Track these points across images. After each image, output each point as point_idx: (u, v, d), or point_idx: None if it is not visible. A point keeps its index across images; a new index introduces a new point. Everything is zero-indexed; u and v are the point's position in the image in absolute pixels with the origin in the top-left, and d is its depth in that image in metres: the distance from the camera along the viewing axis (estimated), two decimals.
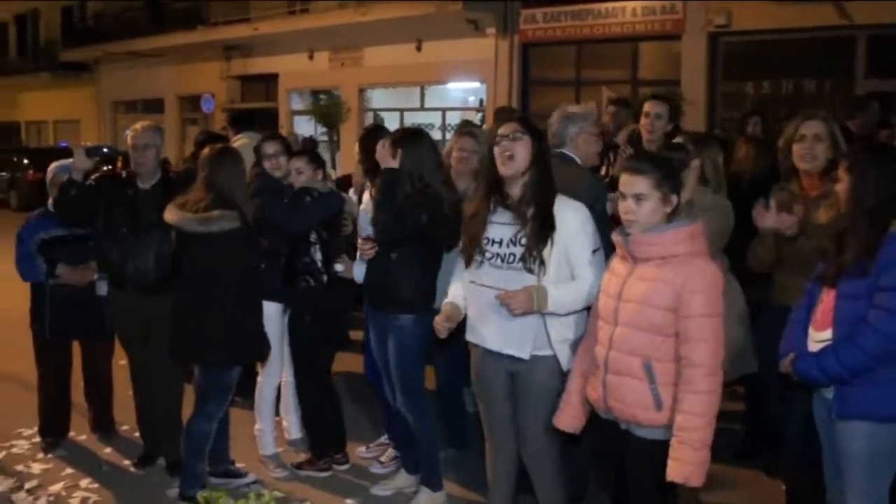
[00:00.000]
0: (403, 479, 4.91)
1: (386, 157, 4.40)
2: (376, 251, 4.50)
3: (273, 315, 5.07)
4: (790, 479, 4.17)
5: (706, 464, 3.03)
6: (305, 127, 19.15)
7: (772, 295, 4.39)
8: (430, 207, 4.30)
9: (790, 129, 4.31)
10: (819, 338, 3.33)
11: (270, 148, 5.27)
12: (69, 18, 29.66)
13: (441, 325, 3.85)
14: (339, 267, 4.99)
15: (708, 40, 13.41)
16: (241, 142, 6.96)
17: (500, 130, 3.70)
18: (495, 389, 3.84)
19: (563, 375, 3.59)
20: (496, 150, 3.66)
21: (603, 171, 6.08)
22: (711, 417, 3.03)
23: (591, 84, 15.00)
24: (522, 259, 3.58)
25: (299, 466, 5.22)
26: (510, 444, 3.88)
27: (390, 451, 5.27)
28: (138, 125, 5.14)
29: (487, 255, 3.70)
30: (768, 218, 4.06)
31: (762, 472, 5.05)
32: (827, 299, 3.34)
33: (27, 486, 5.06)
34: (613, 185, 4.73)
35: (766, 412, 4.80)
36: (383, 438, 5.42)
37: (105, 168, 5.37)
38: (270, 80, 21.57)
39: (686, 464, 3.00)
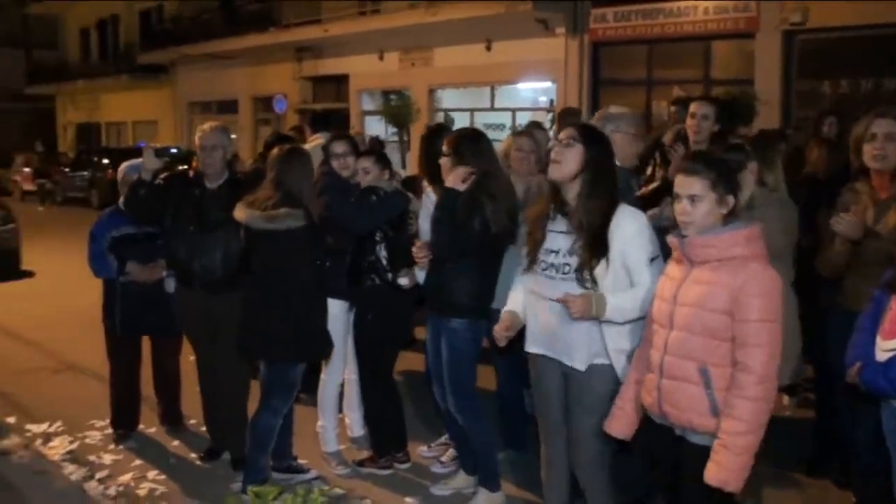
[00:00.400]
0: (463, 480, 4.92)
1: (456, 179, 4.40)
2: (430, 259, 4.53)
3: (338, 313, 5.13)
4: (859, 489, 4.06)
5: (746, 470, 2.95)
6: (376, 127, 19.28)
7: (840, 300, 4.27)
8: (480, 211, 4.32)
9: (860, 128, 4.19)
10: (887, 346, 3.21)
11: (339, 147, 5.32)
12: (147, 22, 30.42)
13: (500, 334, 3.86)
14: (402, 281, 5.02)
15: (783, 38, 13.10)
16: (317, 141, 7.03)
17: (559, 135, 3.70)
18: (552, 393, 3.81)
19: (618, 384, 3.53)
20: (550, 154, 3.66)
21: (650, 171, 5.99)
22: (758, 425, 2.95)
23: (663, 84, 14.81)
24: (577, 270, 3.54)
25: (361, 464, 5.26)
26: (565, 453, 3.83)
27: (451, 451, 5.27)
28: (206, 126, 5.23)
29: (543, 265, 3.68)
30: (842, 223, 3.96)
31: (831, 482, 4.90)
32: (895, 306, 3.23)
33: (98, 475, 5.21)
34: (660, 188, 4.67)
35: (837, 420, 4.67)
36: (444, 438, 5.42)
37: (181, 168, 5.49)
38: (341, 80, 21.77)
39: (725, 468, 2.93)
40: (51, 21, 38.54)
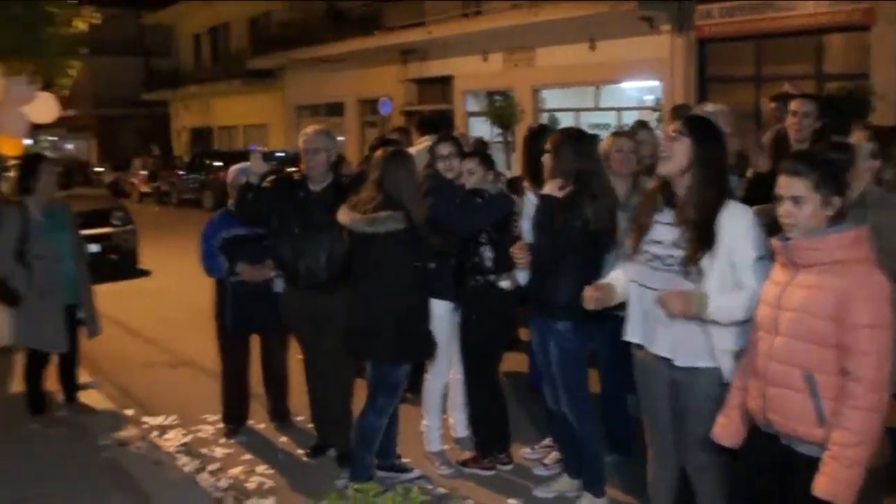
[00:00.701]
0: (566, 483, 4.89)
1: (553, 187, 4.39)
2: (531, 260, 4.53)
3: (443, 314, 5.17)
4: None
5: (857, 483, 2.82)
6: (481, 128, 19.34)
7: None
8: (579, 212, 4.31)
9: None
10: None
11: (444, 149, 5.36)
12: (257, 28, 31.23)
13: (590, 294, 3.80)
14: (504, 284, 5.03)
15: None
16: (425, 144, 7.09)
17: (668, 128, 3.66)
18: (657, 397, 3.76)
19: (726, 386, 3.44)
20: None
21: (749, 173, 5.80)
22: (870, 436, 2.82)
23: (773, 80, 14.36)
24: (682, 263, 3.48)
25: (464, 464, 5.29)
26: (672, 455, 3.78)
27: (554, 454, 5.25)
28: (309, 129, 5.35)
29: (647, 255, 3.63)
30: None
31: None
32: None
33: (209, 468, 5.39)
34: (758, 185, 4.51)
35: None
36: (548, 440, 5.40)
37: (288, 170, 5.63)
38: (446, 82, 21.90)
39: (834, 480, 2.82)
40: (165, 30, 40.00)
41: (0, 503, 4.91)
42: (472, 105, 21.31)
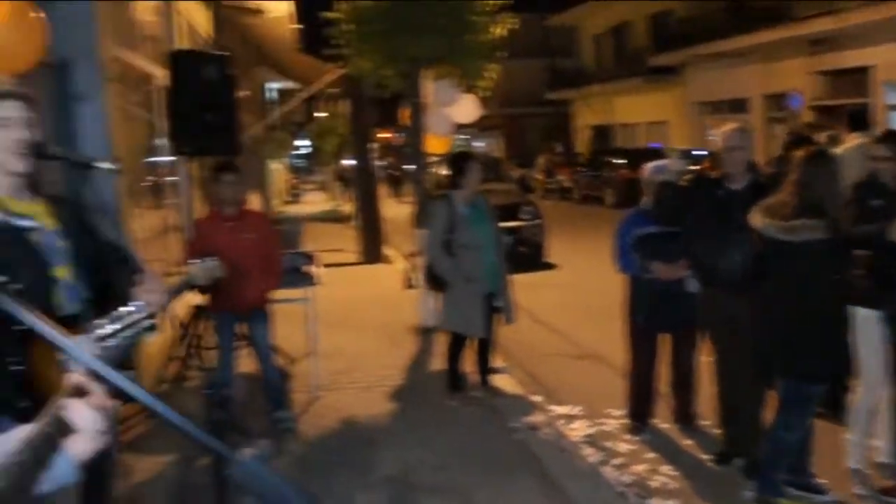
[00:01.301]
0: None
1: None
2: None
3: (871, 324, 4.79)
4: None
5: None
6: None
7: None
8: None
9: None
10: None
11: (880, 151, 5.00)
12: (656, 26, 31.20)
13: None
14: None
15: None
16: (855, 143, 6.62)
17: None
18: None
19: None
20: None
21: None
22: None
23: None
24: None
25: (885, 492, 4.86)
26: None
27: None
28: (727, 127, 5.26)
29: None
30: None
31: None
32: None
33: (613, 462, 5.49)
34: None
35: None
36: None
37: (700, 169, 5.59)
38: (861, 73, 20.25)
39: None
40: (567, 31, 41.42)
41: (427, 467, 5.41)
42: (894, 98, 19.44)
